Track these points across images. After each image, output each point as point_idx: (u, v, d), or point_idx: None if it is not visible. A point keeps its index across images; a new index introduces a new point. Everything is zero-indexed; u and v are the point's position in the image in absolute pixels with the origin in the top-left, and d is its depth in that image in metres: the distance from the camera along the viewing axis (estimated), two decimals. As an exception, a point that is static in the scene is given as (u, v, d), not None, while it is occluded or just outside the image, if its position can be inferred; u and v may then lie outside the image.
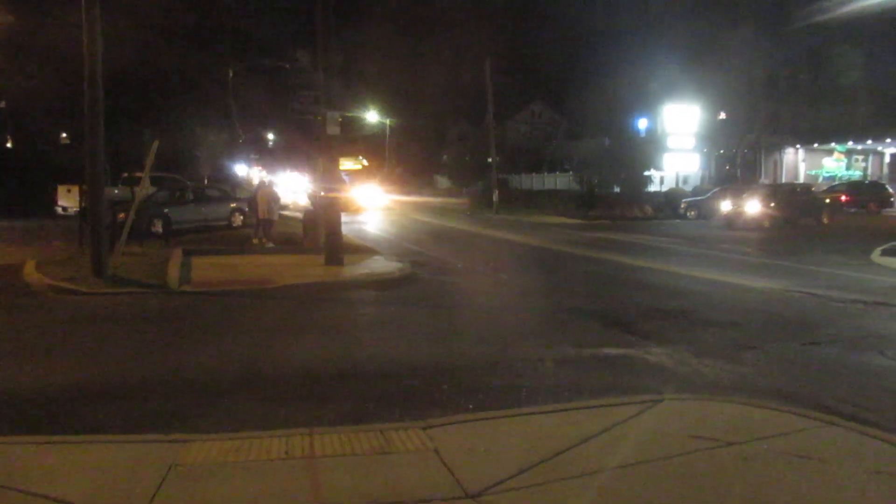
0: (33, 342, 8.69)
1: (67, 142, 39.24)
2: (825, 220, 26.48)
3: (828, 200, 28.95)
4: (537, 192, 48.22)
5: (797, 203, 26.77)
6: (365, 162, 40.39)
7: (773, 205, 25.70)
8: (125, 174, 24.65)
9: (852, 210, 34.19)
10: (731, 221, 26.19)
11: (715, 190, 34.12)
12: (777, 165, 48.15)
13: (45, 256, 15.46)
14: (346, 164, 39.63)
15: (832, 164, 46.00)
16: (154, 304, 11.12)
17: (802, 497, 4.22)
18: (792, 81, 43.23)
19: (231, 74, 41.47)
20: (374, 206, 37.95)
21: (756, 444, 4.90)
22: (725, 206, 27.40)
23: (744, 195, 27.06)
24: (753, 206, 25.60)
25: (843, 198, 32.41)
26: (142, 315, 10.42)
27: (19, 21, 28.68)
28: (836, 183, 40.72)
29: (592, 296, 11.96)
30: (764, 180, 44.39)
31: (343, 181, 36.91)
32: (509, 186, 49.14)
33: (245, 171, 51.25)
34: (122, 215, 17.40)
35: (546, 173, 53.40)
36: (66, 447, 4.96)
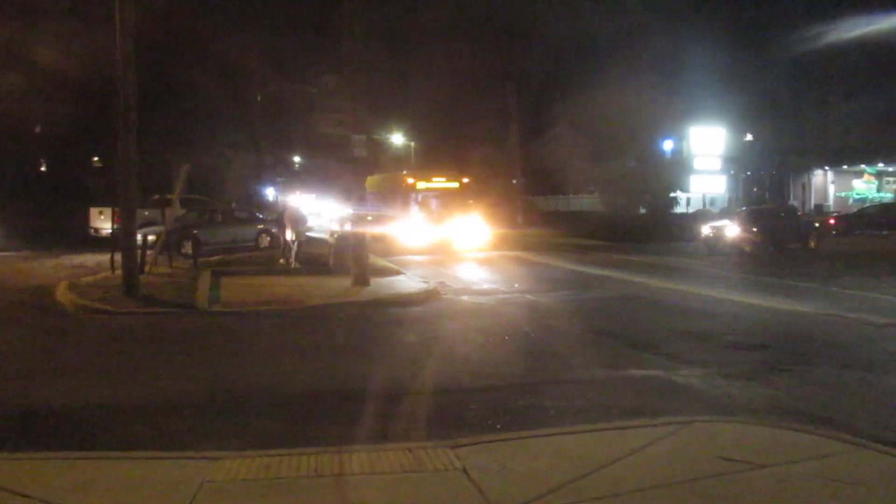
0: (66, 361, 8.85)
1: (99, 165, 40.00)
2: (812, 245, 25.64)
3: (817, 224, 28.21)
4: (562, 213, 48.15)
5: (781, 226, 25.96)
6: (465, 179, 28.06)
7: (755, 229, 24.90)
8: (156, 196, 25.06)
9: (883, 233, 33.62)
10: (711, 245, 25.31)
11: (742, 210, 33.80)
12: (805, 187, 47.64)
13: (78, 277, 15.73)
14: (437, 181, 27.56)
15: (862, 186, 45.37)
16: (184, 324, 11.28)
17: (837, 521, 4.16)
18: (820, 102, 42.89)
19: (258, 98, 42.12)
20: (473, 244, 25.24)
21: (789, 467, 4.84)
22: (705, 229, 26.44)
23: (724, 218, 26.35)
24: (733, 230, 24.72)
25: (832, 221, 31.67)
26: (172, 335, 10.58)
27: (53, 46, 29.49)
28: (868, 205, 40.16)
29: (619, 317, 11.90)
30: (793, 202, 43.91)
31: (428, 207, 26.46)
32: (534, 208, 49.09)
33: (272, 192, 51.86)
34: (152, 237, 17.71)
35: (571, 195, 53.34)
36: (98, 463, 5.04)
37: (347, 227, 17.78)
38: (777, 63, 41.07)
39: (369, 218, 30.62)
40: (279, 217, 21.88)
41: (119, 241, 14.40)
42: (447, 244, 24.78)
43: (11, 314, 12.25)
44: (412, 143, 55.45)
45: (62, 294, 13.50)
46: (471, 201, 27.34)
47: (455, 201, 26.69)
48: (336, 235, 19.86)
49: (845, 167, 45.49)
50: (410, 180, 27.35)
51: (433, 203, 26.95)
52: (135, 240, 13.89)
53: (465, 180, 27.84)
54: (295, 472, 4.79)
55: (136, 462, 5.06)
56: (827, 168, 46.46)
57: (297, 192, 42.66)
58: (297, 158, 77.47)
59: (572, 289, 15.44)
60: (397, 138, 55.86)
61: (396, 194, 27.42)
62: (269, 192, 50.31)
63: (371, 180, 32.70)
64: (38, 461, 5.06)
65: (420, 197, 27.07)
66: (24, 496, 4.39)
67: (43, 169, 41.10)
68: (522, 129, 43.80)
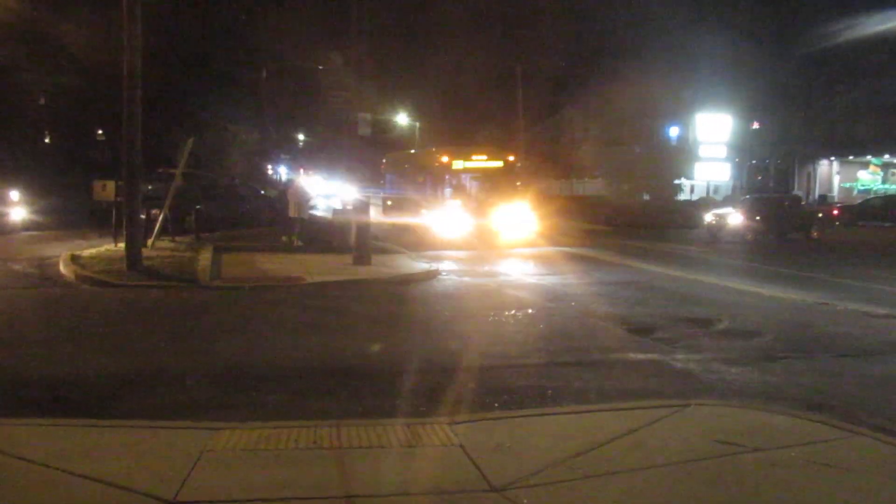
0: (70, 332, 8.90)
1: (103, 138, 39.91)
2: (815, 235, 25.71)
3: (820, 214, 28.31)
4: (566, 198, 48.06)
5: (785, 216, 26.06)
6: (511, 157, 23.41)
7: (758, 217, 25.05)
8: (160, 170, 25.03)
9: (886, 224, 33.53)
10: (714, 233, 25.62)
11: (745, 198, 33.69)
12: (810, 177, 47.50)
13: (81, 250, 15.77)
14: (477, 159, 23.03)
15: (867, 177, 45.18)
16: (186, 298, 11.34)
17: (828, 504, 4.21)
18: (827, 92, 42.62)
19: (264, 74, 41.96)
20: (522, 236, 21.19)
21: (782, 451, 4.88)
22: (708, 216, 26.82)
23: (727, 206, 26.67)
24: (736, 218, 25.00)
25: (836, 212, 31.75)
26: (174, 308, 10.64)
27: (58, 17, 29.34)
28: (872, 196, 40.04)
29: (619, 301, 11.91)
30: (797, 192, 43.81)
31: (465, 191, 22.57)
32: (537, 192, 48.98)
33: (276, 169, 51.81)
34: (155, 211, 17.72)
35: (575, 180, 53.21)
36: (98, 431, 5.10)
37: (350, 207, 17.68)
38: (786, 52, 40.80)
39: (389, 203, 26.33)
40: (282, 194, 21.86)
41: (122, 214, 14.42)
42: (490, 237, 20.66)
43: (15, 284, 12.32)
44: (417, 123, 55.22)
45: (65, 266, 13.55)
46: (518, 183, 23.33)
47: (499, 184, 22.52)
48: (336, 212, 19.78)
49: (851, 158, 45.31)
50: (444, 158, 22.75)
51: (471, 186, 23.03)
52: (138, 213, 13.91)
53: (511, 158, 23.35)
54: (294, 444, 4.84)
55: (135, 431, 5.12)
56: (833, 158, 46.30)
57: (303, 171, 42.42)
58: (301, 136, 77.17)
59: (573, 272, 15.46)
60: (402, 118, 55.62)
61: (426, 175, 23.57)
62: (275, 170, 50.22)
63: (392, 158, 29.36)
64: (37, 427, 5.13)
65: (455, 179, 22.90)
66: (24, 460, 4.45)
67: (47, 141, 41.02)
68: (528, 112, 43.61)
